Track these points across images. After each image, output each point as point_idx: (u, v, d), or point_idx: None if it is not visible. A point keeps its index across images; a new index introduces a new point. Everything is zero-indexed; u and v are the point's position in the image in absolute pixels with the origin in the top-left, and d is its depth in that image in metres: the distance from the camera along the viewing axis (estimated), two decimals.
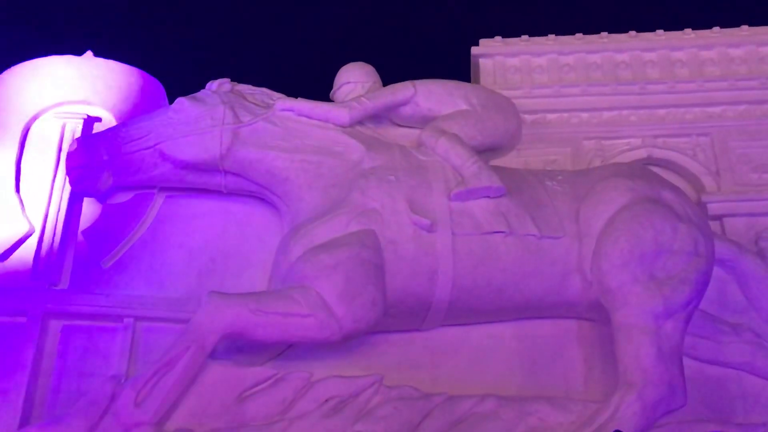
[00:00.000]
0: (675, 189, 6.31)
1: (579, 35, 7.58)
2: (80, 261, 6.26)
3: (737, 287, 6.31)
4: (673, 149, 7.04)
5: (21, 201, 6.35)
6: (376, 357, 5.93)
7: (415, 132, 6.66)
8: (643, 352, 5.44)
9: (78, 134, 6.61)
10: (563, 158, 7.06)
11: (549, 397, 5.65)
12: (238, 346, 5.66)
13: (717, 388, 5.80)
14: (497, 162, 6.73)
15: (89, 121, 6.74)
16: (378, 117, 6.73)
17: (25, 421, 5.58)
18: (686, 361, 5.62)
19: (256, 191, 6.42)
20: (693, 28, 7.56)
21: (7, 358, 5.79)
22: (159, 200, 6.50)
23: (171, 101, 6.46)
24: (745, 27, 7.51)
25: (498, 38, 7.62)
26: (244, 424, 5.28)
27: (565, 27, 7.75)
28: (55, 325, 5.99)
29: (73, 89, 6.82)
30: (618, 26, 7.74)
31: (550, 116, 7.22)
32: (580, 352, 6.09)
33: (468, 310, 5.94)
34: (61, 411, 5.43)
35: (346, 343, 5.65)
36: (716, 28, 7.53)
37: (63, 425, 5.21)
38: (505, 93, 7.13)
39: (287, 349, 5.82)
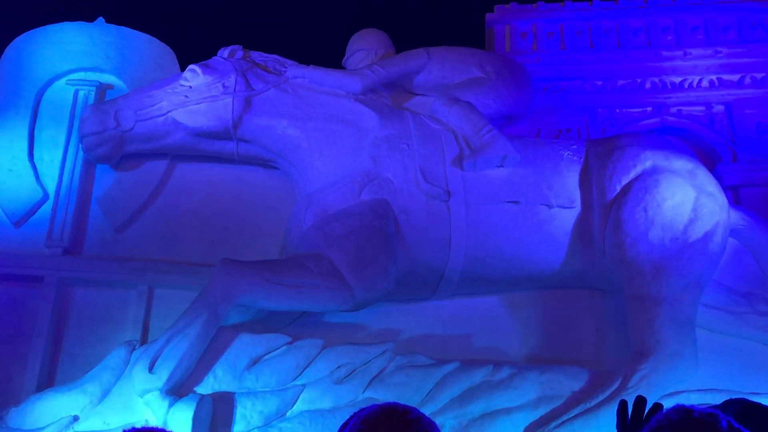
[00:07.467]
0: (690, 158, 6.24)
1: (594, 1, 7.48)
2: (94, 228, 6.28)
3: (752, 258, 6.27)
4: (689, 118, 6.96)
5: (35, 168, 6.37)
6: (388, 325, 5.95)
7: (429, 99, 6.59)
8: (656, 323, 5.44)
9: (91, 101, 6.59)
10: (577, 126, 7.00)
11: (561, 365, 5.66)
12: (251, 313, 5.69)
13: (730, 359, 5.78)
14: (511, 130, 6.68)
15: (101, 88, 6.72)
16: (391, 84, 6.66)
17: (42, 386, 5.66)
18: (699, 331, 5.61)
19: (269, 159, 6.39)
20: None
21: (24, 324, 5.86)
22: (172, 168, 6.49)
23: (183, 68, 6.41)
24: None
25: (513, 5, 7.53)
26: (256, 390, 5.31)
27: None
28: (70, 292, 6.04)
29: (85, 56, 6.77)
30: None
31: (564, 84, 7.15)
32: (592, 322, 6.07)
33: (480, 279, 5.94)
34: (77, 376, 5.50)
35: (359, 311, 5.67)
36: None
37: (78, 390, 5.30)
38: (519, 60, 7.06)
39: (300, 316, 5.84)
